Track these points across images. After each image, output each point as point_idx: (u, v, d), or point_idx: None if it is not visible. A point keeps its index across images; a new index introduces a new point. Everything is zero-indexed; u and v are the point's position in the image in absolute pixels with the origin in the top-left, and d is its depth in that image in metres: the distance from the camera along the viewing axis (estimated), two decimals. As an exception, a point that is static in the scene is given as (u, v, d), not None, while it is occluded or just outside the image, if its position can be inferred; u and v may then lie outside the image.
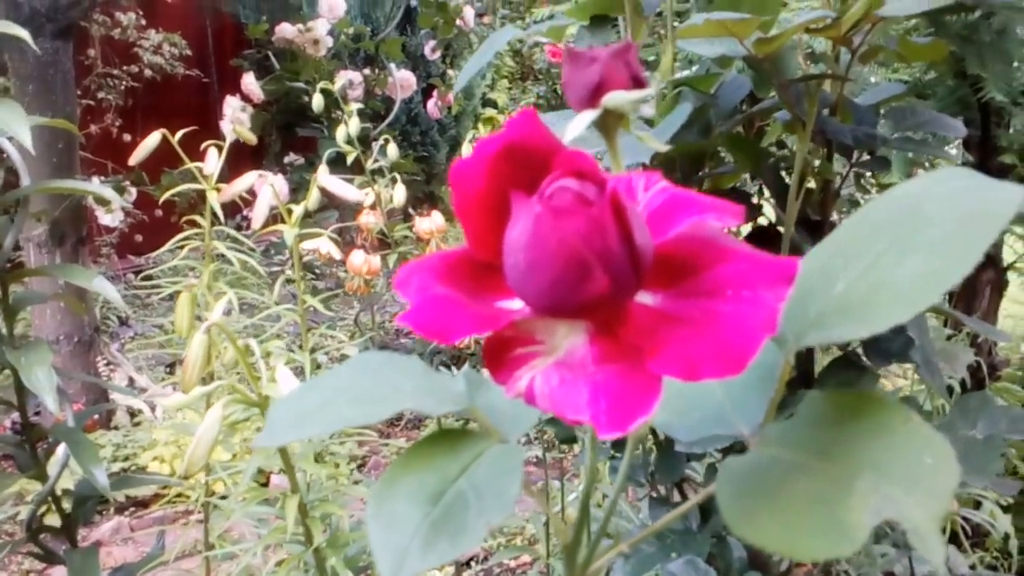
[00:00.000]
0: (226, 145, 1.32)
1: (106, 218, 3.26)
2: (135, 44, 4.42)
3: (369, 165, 1.43)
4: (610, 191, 0.25)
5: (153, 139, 1.27)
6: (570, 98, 0.31)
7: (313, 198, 1.30)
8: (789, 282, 0.26)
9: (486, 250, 0.28)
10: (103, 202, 2.96)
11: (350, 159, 1.45)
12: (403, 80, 3.37)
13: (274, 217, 1.29)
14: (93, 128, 4.16)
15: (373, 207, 1.46)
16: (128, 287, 4.35)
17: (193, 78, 4.91)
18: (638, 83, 0.31)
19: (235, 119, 2.91)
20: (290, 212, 1.24)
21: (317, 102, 1.58)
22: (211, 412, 0.77)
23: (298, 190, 3.23)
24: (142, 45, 4.44)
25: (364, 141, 4.01)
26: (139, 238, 4.28)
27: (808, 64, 0.91)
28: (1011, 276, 2.24)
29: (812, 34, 0.73)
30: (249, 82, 3.09)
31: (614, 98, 0.30)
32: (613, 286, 0.25)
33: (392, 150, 1.48)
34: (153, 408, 3.00)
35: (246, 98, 3.07)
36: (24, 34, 1.12)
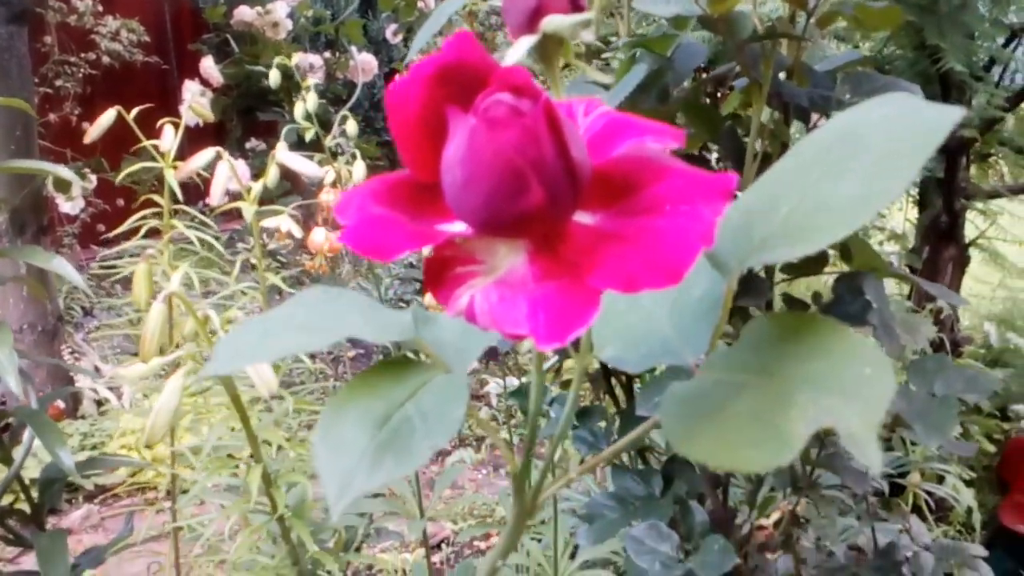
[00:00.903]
0: (182, 124, 1.31)
1: (67, 206, 3.22)
2: (92, 31, 4.35)
3: (328, 142, 1.43)
4: (543, 101, 0.25)
5: (108, 117, 1.25)
6: (509, 24, 0.31)
7: (272, 175, 1.29)
8: (727, 196, 0.27)
9: (425, 171, 0.28)
10: (63, 189, 2.92)
11: (309, 136, 1.44)
12: (364, 63, 3.35)
13: (237, 198, 1.27)
14: (52, 116, 4.10)
15: (334, 185, 1.45)
16: (91, 277, 4.31)
17: (152, 64, 4.84)
18: (577, 7, 0.31)
19: (194, 103, 2.88)
20: (249, 190, 1.23)
21: (274, 77, 1.56)
22: (171, 381, 0.76)
23: (260, 176, 3.21)
24: (99, 32, 4.37)
25: (325, 124, 3.97)
26: (101, 228, 4.24)
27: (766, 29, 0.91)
28: (974, 253, 2.26)
29: (765, -7, 0.73)
30: (208, 66, 3.06)
31: (553, 21, 0.30)
32: (549, 198, 0.25)
33: (351, 127, 1.47)
34: (120, 396, 2.97)
35: (205, 82, 3.03)
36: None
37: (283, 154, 1.24)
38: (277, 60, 1.44)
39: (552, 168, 0.25)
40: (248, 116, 4.16)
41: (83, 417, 3.11)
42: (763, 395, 0.28)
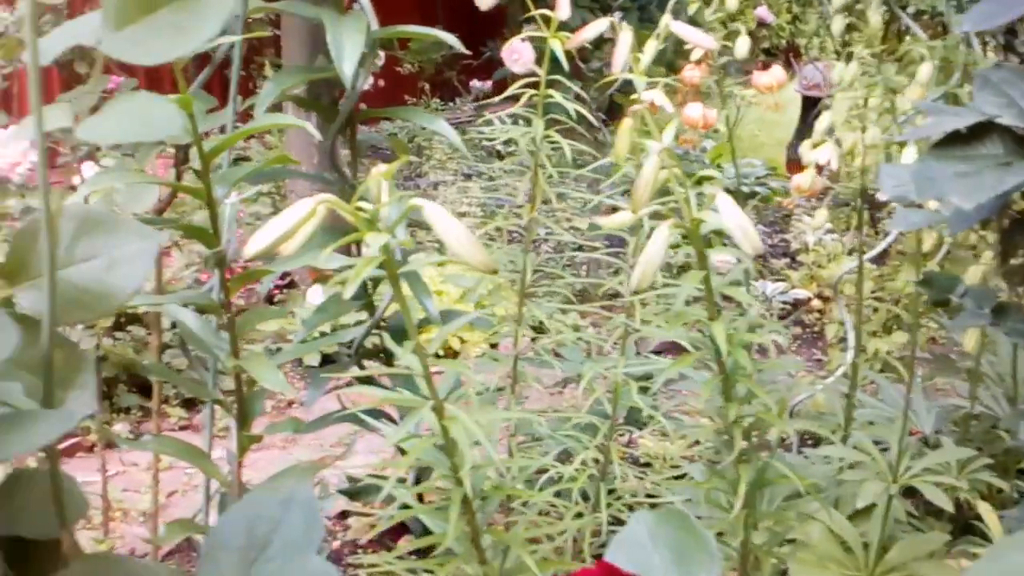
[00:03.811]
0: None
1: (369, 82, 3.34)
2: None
3: (710, 14, 1.40)
4: None
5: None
6: None
7: (652, 48, 1.29)
8: None
9: None
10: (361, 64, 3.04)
11: (692, 9, 1.42)
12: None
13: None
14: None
15: (699, 62, 1.43)
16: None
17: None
18: None
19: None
20: (638, 61, 1.23)
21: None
22: (657, 233, 0.79)
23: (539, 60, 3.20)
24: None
25: (606, 8, 3.92)
26: (363, 107, 4.43)
27: None
28: None
29: None
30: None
31: None
32: None
33: (732, -1, 1.44)
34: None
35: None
36: None
37: (676, 24, 1.23)
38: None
39: None
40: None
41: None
42: None
